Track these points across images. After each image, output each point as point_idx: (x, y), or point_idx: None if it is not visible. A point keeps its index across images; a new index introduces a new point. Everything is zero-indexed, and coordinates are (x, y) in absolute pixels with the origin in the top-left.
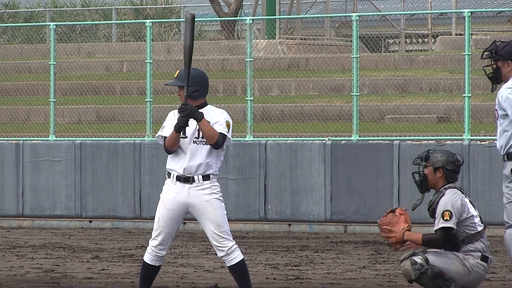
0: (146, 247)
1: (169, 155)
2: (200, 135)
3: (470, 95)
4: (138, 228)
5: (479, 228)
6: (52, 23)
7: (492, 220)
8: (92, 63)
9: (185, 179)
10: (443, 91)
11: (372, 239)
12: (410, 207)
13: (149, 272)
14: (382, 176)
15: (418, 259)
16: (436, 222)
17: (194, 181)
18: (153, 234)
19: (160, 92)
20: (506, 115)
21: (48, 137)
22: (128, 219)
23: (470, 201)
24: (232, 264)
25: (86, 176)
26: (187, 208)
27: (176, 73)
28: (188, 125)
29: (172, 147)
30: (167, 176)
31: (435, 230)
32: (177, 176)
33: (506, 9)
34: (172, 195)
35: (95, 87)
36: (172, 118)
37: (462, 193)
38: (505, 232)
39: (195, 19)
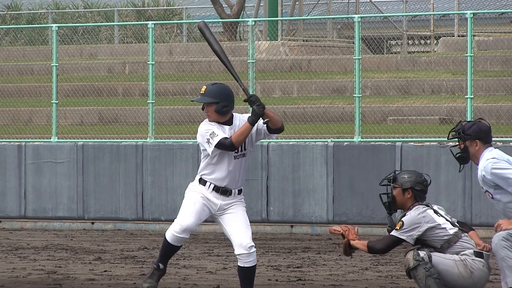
0: (168, 232)
1: (207, 165)
2: (240, 150)
3: (472, 96)
4: (141, 230)
5: (451, 232)
6: (54, 25)
7: (495, 222)
8: (94, 64)
9: (223, 191)
10: (445, 93)
11: None
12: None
13: (171, 250)
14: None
15: (422, 253)
16: None
17: (231, 195)
18: (185, 215)
19: (162, 94)
20: (497, 187)
21: (50, 138)
22: (130, 221)
23: (435, 211)
24: (247, 266)
25: (88, 178)
26: (214, 211)
27: (203, 89)
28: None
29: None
30: (199, 182)
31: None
32: (215, 186)
33: (508, 10)
34: (204, 195)
35: (97, 89)
36: (212, 125)
37: (428, 206)
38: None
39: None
